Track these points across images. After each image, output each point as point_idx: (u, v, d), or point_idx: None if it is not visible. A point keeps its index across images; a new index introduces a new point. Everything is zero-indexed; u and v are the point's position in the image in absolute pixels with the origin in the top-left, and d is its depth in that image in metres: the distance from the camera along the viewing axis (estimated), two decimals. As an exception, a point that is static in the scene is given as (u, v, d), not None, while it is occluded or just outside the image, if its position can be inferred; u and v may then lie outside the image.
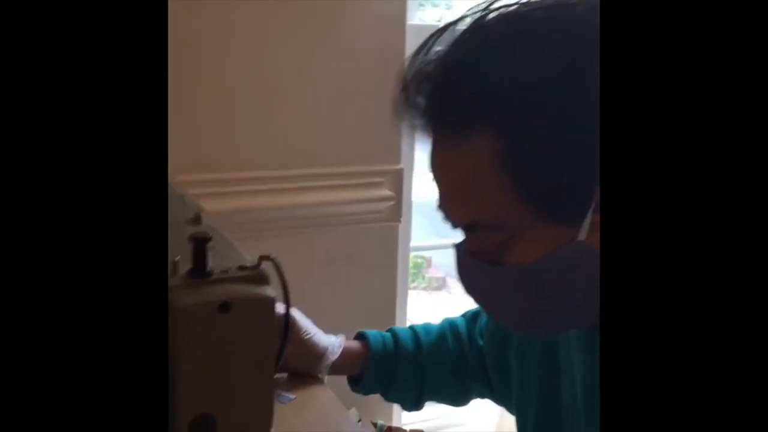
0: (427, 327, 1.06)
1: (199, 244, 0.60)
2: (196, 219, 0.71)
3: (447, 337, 1.04)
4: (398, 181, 1.61)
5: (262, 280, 0.61)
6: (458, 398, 1.07)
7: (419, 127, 0.68)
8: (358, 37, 1.52)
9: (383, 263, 1.64)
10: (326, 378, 1.02)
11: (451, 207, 0.68)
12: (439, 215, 0.68)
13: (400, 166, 1.62)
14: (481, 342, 1.01)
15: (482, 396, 1.04)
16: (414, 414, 1.70)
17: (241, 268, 0.61)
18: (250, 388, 0.60)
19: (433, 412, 1.80)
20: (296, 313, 1.00)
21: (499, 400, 1.01)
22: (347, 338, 1.05)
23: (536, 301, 0.66)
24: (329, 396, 0.99)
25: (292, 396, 0.96)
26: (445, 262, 3.33)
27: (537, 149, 0.60)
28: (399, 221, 1.64)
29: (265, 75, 1.46)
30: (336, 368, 1.03)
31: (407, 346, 1.03)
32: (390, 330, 1.06)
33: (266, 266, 0.62)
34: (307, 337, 1.00)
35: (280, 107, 1.48)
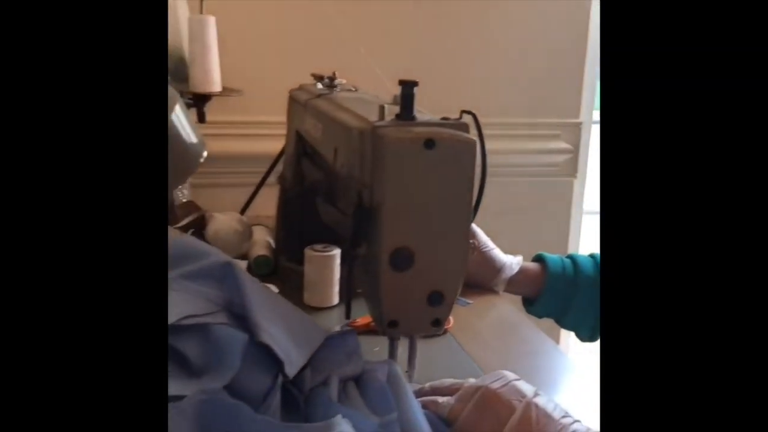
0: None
1: (407, 88, 0.63)
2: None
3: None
4: (576, 135, 1.59)
5: (464, 128, 0.63)
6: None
7: None
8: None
9: (556, 218, 1.62)
10: (502, 294, 1.03)
11: None
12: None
13: (580, 120, 1.60)
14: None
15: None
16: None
17: (444, 118, 0.64)
18: (448, 228, 0.62)
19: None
20: (476, 227, 1.02)
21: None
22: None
23: None
24: (506, 305, 0.99)
25: (470, 300, 0.98)
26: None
27: None
28: (575, 176, 1.62)
29: (452, 28, 1.50)
30: (512, 285, 1.03)
31: (587, 272, 1.02)
32: (570, 256, 1.05)
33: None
34: (487, 249, 1.02)
35: (466, 57, 1.51)
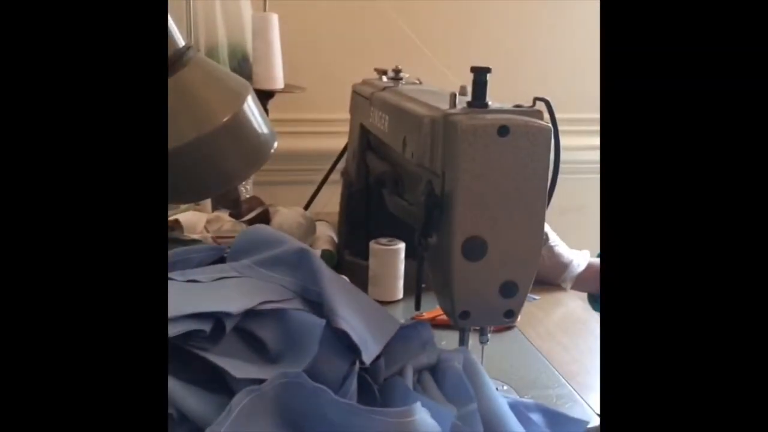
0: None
1: (480, 75, 0.62)
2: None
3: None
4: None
5: (538, 115, 0.62)
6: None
7: None
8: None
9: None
10: (568, 290, 1.01)
11: None
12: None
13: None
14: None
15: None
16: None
17: (517, 106, 0.63)
18: (522, 217, 0.61)
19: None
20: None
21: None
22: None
23: None
24: (573, 301, 0.97)
25: (536, 296, 0.96)
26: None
27: None
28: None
29: (513, 23, 1.48)
30: (579, 282, 1.01)
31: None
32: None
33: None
34: (554, 245, 1.00)
35: (521, 51, 1.49)
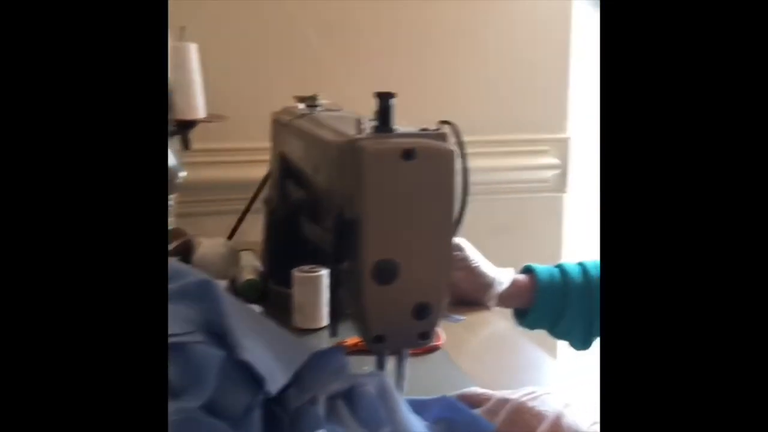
0: (596, 262, 1.04)
1: (384, 101, 0.63)
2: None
3: (620, 272, 1.01)
4: (564, 151, 1.59)
5: (443, 138, 0.63)
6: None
7: None
8: (528, 8, 1.53)
9: (547, 234, 1.61)
10: (494, 309, 1.02)
11: None
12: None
13: (567, 135, 1.60)
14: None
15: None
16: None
17: (423, 129, 0.64)
18: (431, 239, 0.62)
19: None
20: (464, 243, 1.02)
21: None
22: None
23: None
24: (499, 320, 0.98)
25: (461, 317, 0.97)
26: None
27: None
28: (564, 192, 1.62)
29: (434, 44, 1.50)
30: (503, 300, 1.02)
31: (576, 280, 1.01)
32: (558, 265, 1.05)
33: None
34: (476, 265, 1.01)
35: (449, 76, 1.51)
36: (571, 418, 0.58)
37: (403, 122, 0.65)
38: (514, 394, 0.62)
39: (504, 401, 0.62)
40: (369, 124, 0.64)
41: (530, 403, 0.60)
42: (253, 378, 0.50)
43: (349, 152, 0.62)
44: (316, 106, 0.93)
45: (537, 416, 0.59)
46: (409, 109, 0.70)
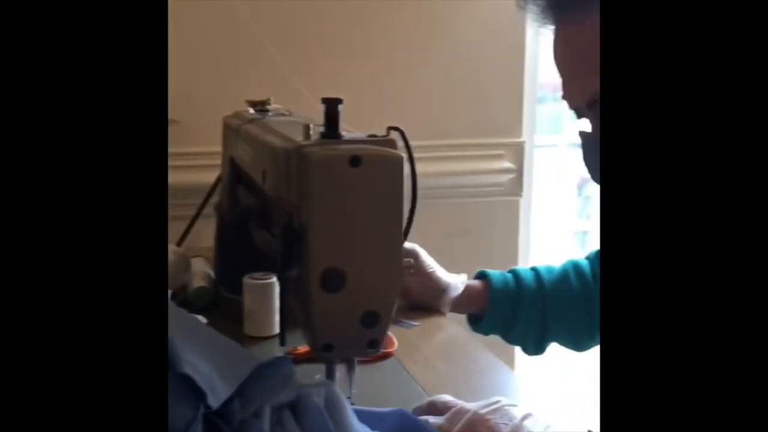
0: (549, 267, 1.04)
1: (331, 107, 0.62)
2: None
3: (570, 277, 1.02)
4: (519, 155, 1.60)
5: (391, 144, 0.63)
6: (582, 342, 1.03)
7: (541, 11, 0.69)
8: (481, 13, 1.54)
9: (504, 239, 1.62)
10: (448, 314, 1.02)
11: (573, 86, 0.68)
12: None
13: (522, 139, 1.61)
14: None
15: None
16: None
17: (371, 136, 0.63)
18: (379, 246, 0.61)
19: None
20: (419, 249, 1.01)
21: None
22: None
23: None
24: (453, 326, 0.98)
25: (415, 323, 0.97)
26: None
27: None
28: (520, 195, 1.63)
29: (388, 48, 1.50)
30: (457, 305, 1.02)
31: (529, 285, 1.02)
32: (511, 270, 1.05)
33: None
34: (431, 270, 1.01)
35: (405, 80, 1.51)
36: (528, 430, 0.58)
37: (358, 128, 0.65)
38: (479, 404, 0.62)
39: (463, 412, 0.61)
40: (317, 130, 0.63)
41: (488, 416, 0.60)
42: (194, 392, 0.48)
43: (295, 159, 0.61)
44: (266, 111, 0.92)
45: (491, 429, 0.59)
46: (361, 115, 0.70)
